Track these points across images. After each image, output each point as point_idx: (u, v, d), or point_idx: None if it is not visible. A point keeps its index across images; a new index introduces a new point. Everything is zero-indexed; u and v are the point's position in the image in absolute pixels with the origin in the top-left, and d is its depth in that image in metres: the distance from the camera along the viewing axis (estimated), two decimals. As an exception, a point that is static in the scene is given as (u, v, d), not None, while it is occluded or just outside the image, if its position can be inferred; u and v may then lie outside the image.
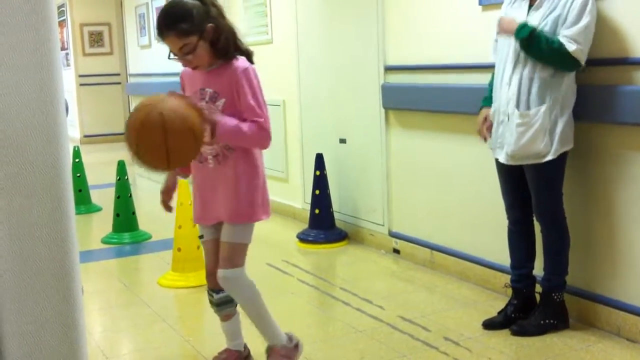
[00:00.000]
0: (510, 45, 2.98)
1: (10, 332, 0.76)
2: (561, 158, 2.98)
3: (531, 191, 3.08)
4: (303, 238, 4.80)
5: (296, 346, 2.78)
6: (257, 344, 2.88)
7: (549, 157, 2.95)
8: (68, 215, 0.79)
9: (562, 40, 2.83)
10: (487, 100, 3.18)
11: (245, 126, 2.52)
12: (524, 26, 2.90)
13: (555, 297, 3.10)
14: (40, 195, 0.76)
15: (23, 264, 0.76)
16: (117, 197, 5.17)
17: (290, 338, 2.76)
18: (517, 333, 3.08)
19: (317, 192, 4.77)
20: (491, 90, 3.15)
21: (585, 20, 2.82)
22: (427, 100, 4.00)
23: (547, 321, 3.09)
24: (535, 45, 2.86)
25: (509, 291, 3.27)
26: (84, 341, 0.84)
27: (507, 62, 3.00)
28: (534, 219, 3.16)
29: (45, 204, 0.77)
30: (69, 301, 0.79)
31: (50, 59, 0.77)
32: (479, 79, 3.51)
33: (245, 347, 2.88)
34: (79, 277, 0.83)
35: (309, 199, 4.99)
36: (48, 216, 0.77)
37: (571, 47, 2.82)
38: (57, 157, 0.77)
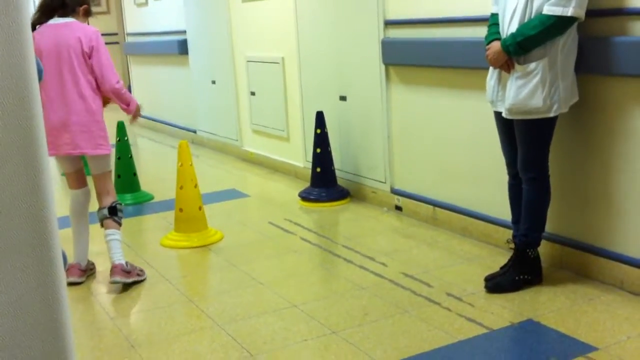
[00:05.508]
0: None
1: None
2: (556, 117, 2.96)
3: (519, 145, 3.04)
4: (305, 197, 4.80)
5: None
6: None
7: (546, 115, 2.91)
8: (44, 182, 0.77)
9: (553, 9, 2.77)
10: (494, 35, 3.05)
11: None
12: (505, 40, 2.90)
13: (530, 253, 3.11)
14: (14, 162, 0.74)
15: None
16: (118, 159, 5.15)
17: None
18: (492, 289, 3.10)
19: (318, 150, 4.74)
20: (492, 32, 3.06)
21: None
22: (428, 55, 3.94)
23: (521, 277, 3.10)
24: (530, 40, 2.83)
25: (512, 246, 3.27)
26: (66, 312, 0.83)
27: (512, 15, 2.93)
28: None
29: (19, 172, 0.74)
30: (48, 271, 0.77)
31: (18, 21, 0.74)
32: (481, 32, 3.44)
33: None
34: (58, 245, 0.81)
35: (310, 158, 4.97)
36: (24, 184, 0.75)
37: (567, 10, 2.77)
38: (29, 122, 0.74)
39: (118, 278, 3.35)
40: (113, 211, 3.42)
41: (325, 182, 4.76)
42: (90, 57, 3.31)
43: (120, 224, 3.46)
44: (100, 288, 3.46)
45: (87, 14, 3.45)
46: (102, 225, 3.46)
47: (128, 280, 3.39)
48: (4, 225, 0.74)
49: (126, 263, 3.43)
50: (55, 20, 3.34)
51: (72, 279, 3.42)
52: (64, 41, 3.28)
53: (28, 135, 0.74)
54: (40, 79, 1.83)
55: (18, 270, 0.75)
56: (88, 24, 3.48)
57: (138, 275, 3.47)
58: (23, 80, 0.73)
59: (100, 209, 3.44)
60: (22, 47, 0.74)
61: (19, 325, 0.78)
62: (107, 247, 3.43)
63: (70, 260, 3.50)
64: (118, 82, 3.38)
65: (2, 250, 0.74)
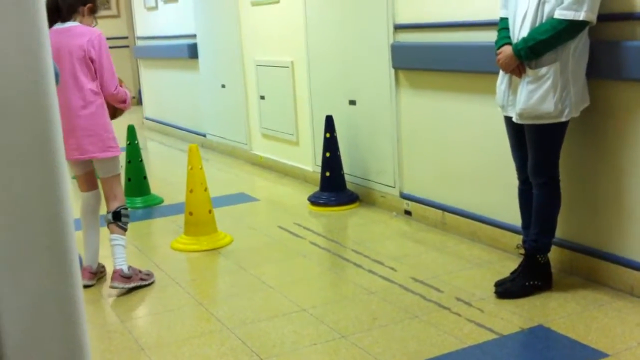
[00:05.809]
0: (527, 3, 2.90)
1: (7, 308, 0.76)
2: (567, 122, 2.95)
3: (529, 150, 3.04)
4: (314, 201, 4.80)
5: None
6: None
7: (558, 119, 2.90)
8: (62, 186, 0.77)
9: (565, 13, 2.77)
10: (505, 39, 3.05)
11: None
12: (517, 45, 2.90)
13: (540, 258, 3.10)
14: (32, 166, 0.74)
15: (15, 237, 0.75)
16: (128, 162, 5.17)
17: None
18: (501, 295, 3.08)
19: (328, 154, 4.75)
20: (503, 36, 3.06)
21: None
22: (437, 59, 3.94)
23: (531, 282, 3.09)
24: (542, 45, 2.83)
25: (522, 251, 3.26)
26: (82, 314, 0.84)
27: (522, 19, 2.92)
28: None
29: (37, 176, 0.74)
30: (65, 274, 0.78)
31: (34, 25, 0.74)
32: (490, 36, 3.44)
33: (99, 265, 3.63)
34: (74, 248, 0.81)
35: (319, 162, 4.98)
36: (42, 188, 0.76)
37: (579, 15, 2.77)
38: (47, 125, 0.74)
39: (116, 284, 3.38)
40: (117, 216, 3.42)
41: (334, 187, 4.77)
42: (93, 62, 3.30)
43: (124, 229, 3.45)
44: (110, 291, 3.47)
45: (93, 12, 3.37)
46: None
47: (127, 286, 3.39)
48: (22, 229, 0.74)
49: (128, 268, 3.42)
50: (59, 26, 3.29)
51: (83, 282, 3.42)
52: (66, 47, 3.24)
53: (46, 138, 0.74)
54: (57, 82, 1.86)
55: (35, 274, 0.76)
56: (95, 22, 3.42)
57: (142, 280, 3.46)
58: (40, 84, 0.73)
59: (107, 212, 3.46)
60: (40, 51, 0.74)
61: (35, 327, 0.78)
62: (111, 251, 3.45)
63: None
64: (116, 87, 3.39)
65: (20, 253, 0.74)
